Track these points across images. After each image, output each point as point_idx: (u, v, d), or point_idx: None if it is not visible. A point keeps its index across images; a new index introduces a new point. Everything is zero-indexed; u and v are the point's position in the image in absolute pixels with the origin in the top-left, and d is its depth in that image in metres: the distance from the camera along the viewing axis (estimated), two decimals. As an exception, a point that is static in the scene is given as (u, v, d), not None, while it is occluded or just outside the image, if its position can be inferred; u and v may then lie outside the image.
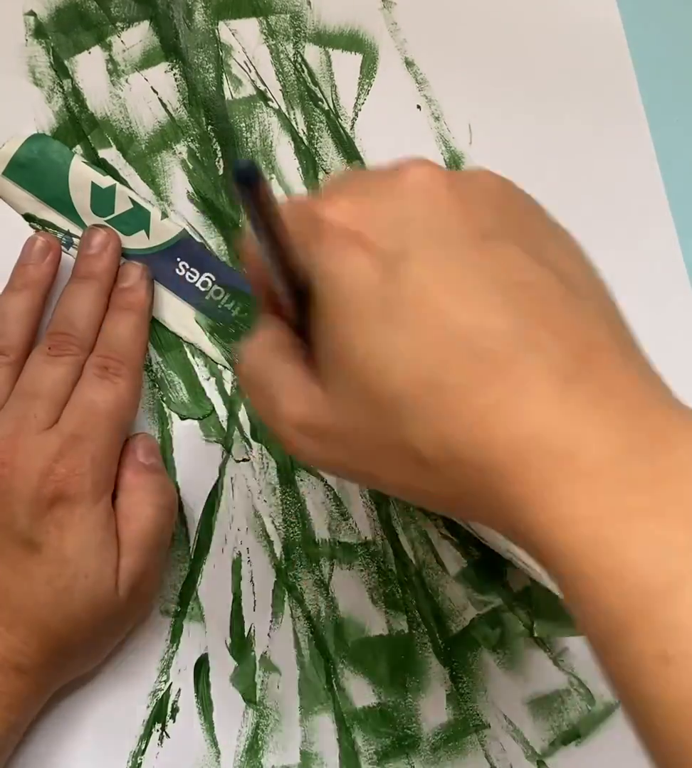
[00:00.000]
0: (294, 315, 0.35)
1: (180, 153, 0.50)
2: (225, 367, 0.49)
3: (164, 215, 0.49)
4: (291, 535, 0.48)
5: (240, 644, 0.48)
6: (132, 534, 0.44)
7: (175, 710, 0.47)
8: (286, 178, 0.50)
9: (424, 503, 0.34)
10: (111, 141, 0.50)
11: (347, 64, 0.51)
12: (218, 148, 0.50)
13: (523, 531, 0.29)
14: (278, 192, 0.50)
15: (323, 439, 0.33)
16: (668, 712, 0.26)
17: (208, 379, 0.49)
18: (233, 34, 0.51)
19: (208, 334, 0.49)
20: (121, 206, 0.49)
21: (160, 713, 0.47)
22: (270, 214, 0.31)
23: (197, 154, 0.50)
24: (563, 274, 0.32)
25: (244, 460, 0.49)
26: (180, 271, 0.49)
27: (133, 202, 0.49)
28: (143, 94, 0.50)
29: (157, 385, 0.49)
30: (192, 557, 0.48)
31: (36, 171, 0.49)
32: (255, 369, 0.35)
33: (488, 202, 0.33)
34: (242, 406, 0.49)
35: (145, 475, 0.46)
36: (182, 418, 0.49)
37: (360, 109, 0.50)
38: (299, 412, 0.33)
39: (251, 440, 0.49)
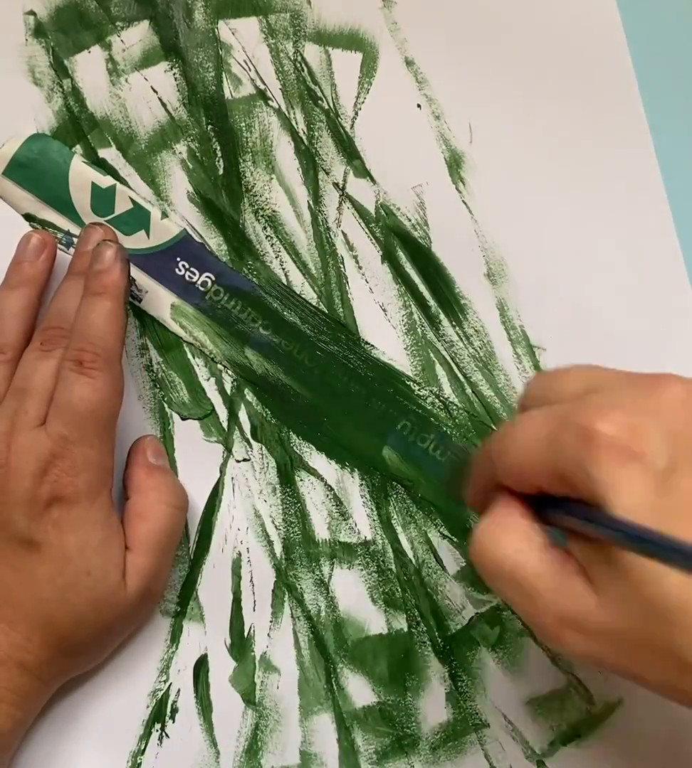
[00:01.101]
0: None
1: (180, 153, 0.50)
2: (225, 367, 0.49)
3: (164, 215, 0.49)
4: (291, 535, 0.48)
5: (240, 644, 0.48)
6: (146, 534, 0.45)
7: (174, 710, 0.47)
8: (286, 178, 0.50)
9: (683, 703, 0.35)
10: (111, 141, 0.50)
11: (347, 63, 0.51)
12: (218, 147, 0.50)
13: None
14: (277, 191, 0.50)
15: (588, 634, 0.33)
16: None
17: (208, 380, 0.49)
18: (233, 33, 0.51)
19: (207, 333, 0.49)
20: (122, 206, 0.49)
21: (160, 713, 0.47)
22: None
23: (197, 154, 0.50)
24: None
25: (244, 460, 0.49)
26: (180, 271, 0.49)
27: (133, 201, 0.49)
28: (143, 93, 0.50)
29: (157, 385, 0.49)
30: (192, 557, 0.48)
31: (36, 171, 0.49)
32: (499, 557, 0.35)
33: None
34: (242, 406, 0.49)
35: (158, 475, 0.46)
36: (183, 418, 0.49)
37: (360, 109, 0.50)
38: (564, 608, 0.33)
39: (251, 440, 0.49)
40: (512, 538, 0.35)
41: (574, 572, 0.34)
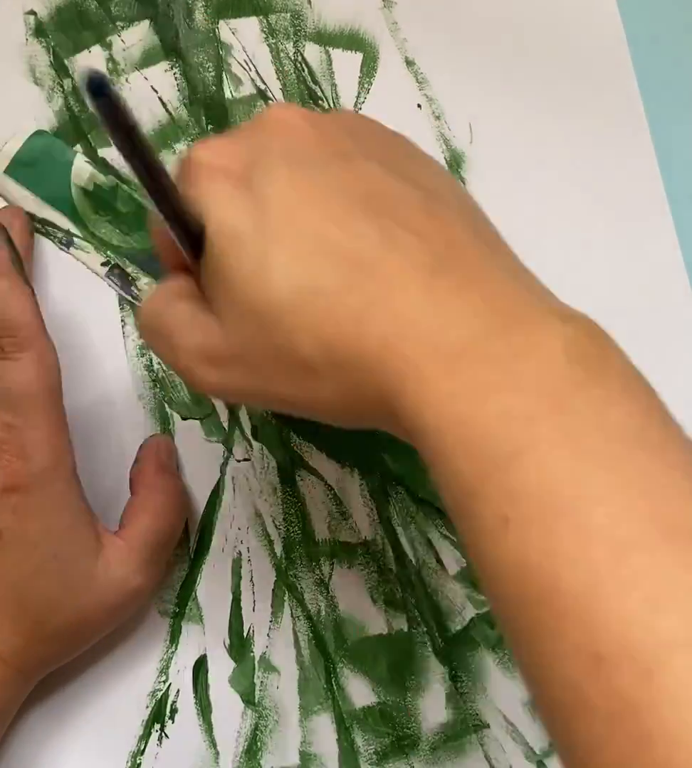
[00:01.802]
0: (191, 261, 0.37)
1: (180, 152, 0.50)
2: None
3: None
4: (291, 535, 0.48)
5: (239, 644, 0.48)
6: (145, 530, 0.45)
7: (174, 711, 0.47)
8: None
9: (316, 414, 0.35)
10: (111, 140, 0.50)
11: (347, 63, 0.51)
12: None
13: (400, 421, 0.31)
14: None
15: (219, 364, 0.35)
16: (505, 571, 0.29)
17: (208, 379, 0.49)
18: (233, 33, 0.51)
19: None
20: (123, 206, 0.49)
21: (159, 714, 0.47)
22: (136, 139, 0.32)
23: (197, 154, 0.50)
24: (424, 186, 0.35)
25: (245, 459, 0.48)
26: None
27: (135, 201, 0.49)
28: (143, 93, 0.50)
29: (158, 385, 0.49)
30: (192, 557, 0.48)
31: (38, 169, 0.49)
32: (154, 314, 0.37)
33: (346, 130, 0.37)
34: (243, 406, 0.49)
35: (166, 475, 0.46)
36: (184, 418, 0.49)
37: (360, 108, 0.50)
38: (195, 343, 0.35)
39: (251, 440, 0.49)
40: (161, 299, 0.37)
41: (208, 313, 0.35)
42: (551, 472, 0.28)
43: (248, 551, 0.48)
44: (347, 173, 0.34)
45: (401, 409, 0.31)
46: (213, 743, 0.47)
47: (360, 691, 0.48)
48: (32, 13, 0.51)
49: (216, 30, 0.51)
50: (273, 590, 0.48)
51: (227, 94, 0.50)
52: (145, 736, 0.47)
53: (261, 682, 0.47)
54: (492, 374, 0.30)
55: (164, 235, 0.37)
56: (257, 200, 0.34)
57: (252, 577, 0.48)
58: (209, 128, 0.50)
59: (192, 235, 0.35)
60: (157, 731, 0.47)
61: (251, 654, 0.48)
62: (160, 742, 0.47)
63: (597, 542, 0.27)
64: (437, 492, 0.31)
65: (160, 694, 0.47)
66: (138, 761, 0.47)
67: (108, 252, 0.49)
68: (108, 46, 0.51)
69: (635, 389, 0.31)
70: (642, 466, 0.29)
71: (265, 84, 0.50)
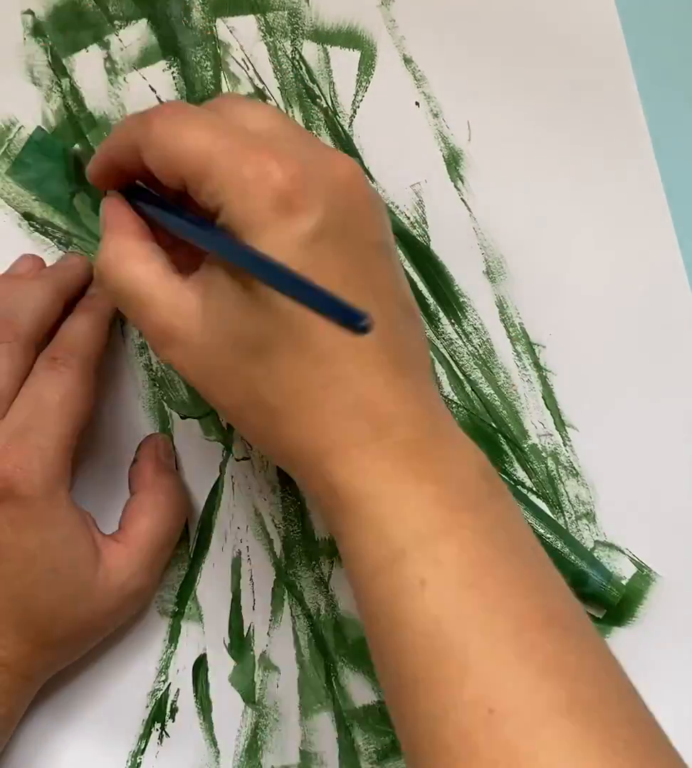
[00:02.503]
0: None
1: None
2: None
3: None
4: (291, 534, 0.48)
5: (239, 643, 0.48)
6: (145, 531, 0.45)
7: (174, 710, 0.47)
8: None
9: (243, 433, 0.41)
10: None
11: (345, 61, 0.51)
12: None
13: (325, 478, 0.36)
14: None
15: (186, 348, 0.38)
16: (419, 625, 0.34)
17: (207, 378, 0.49)
18: (231, 32, 0.51)
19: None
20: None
21: (160, 713, 0.47)
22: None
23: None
24: (407, 295, 0.40)
25: (244, 458, 0.48)
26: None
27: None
28: (142, 92, 0.50)
29: (157, 384, 0.49)
30: (191, 556, 0.48)
31: (37, 170, 0.49)
32: (120, 280, 0.39)
33: (384, 215, 0.40)
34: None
35: (166, 475, 0.47)
36: (183, 417, 0.49)
37: (358, 107, 0.50)
38: (168, 320, 0.38)
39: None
40: (132, 261, 0.39)
41: (189, 294, 0.38)
42: (469, 551, 0.35)
43: (248, 550, 0.48)
44: (375, 263, 0.38)
45: (329, 476, 0.36)
46: (213, 742, 0.47)
47: (360, 690, 0.48)
48: (30, 12, 0.51)
49: (213, 28, 0.51)
50: (273, 589, 0.48)
51: (225, 93, 0.50)
52: (146, 736, 0.47)
53: (261, 680, 0.47)
54: (427, 468, 0.36)
55: (106, 167, 0.41)
56: (304, 247, 0.36)
57: (252, 576, 0.48)
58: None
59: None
60: (157, 730, 0.47)
61: (251, 653, 0.48)
62: (161, 741, 0.47)
63: (501, 615, 0.34)
64: (346, 554, 0.37)
65: (160, 693, 0.47)
66: (138, 760, 0.47)
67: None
68: (106, 45, 0.50)
69: (521, 513, 0.39)
70: (535, 566, 0.36)
71: (263, 82, 0.50)
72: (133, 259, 0.39)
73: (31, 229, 0.49)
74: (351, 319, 0.30)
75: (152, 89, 0.50)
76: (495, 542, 0.35)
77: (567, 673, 0.33)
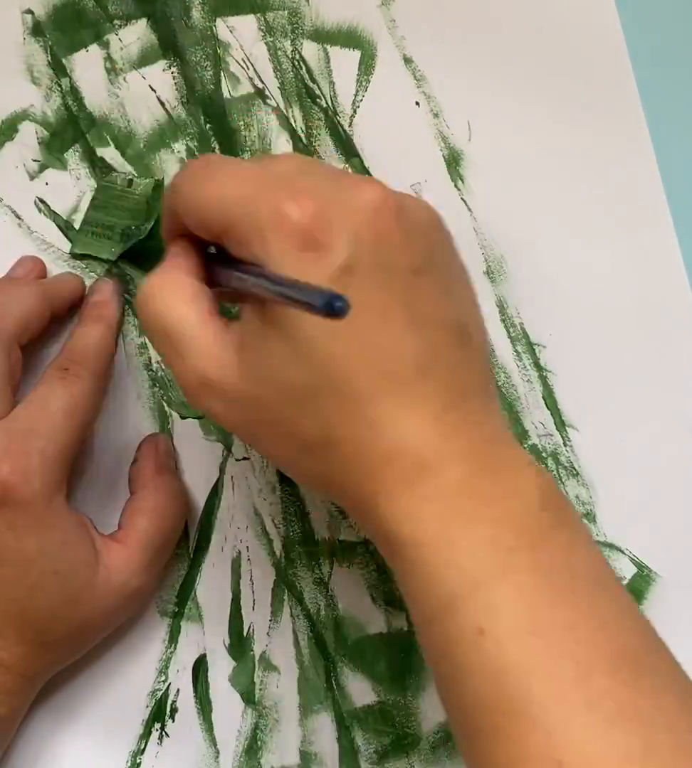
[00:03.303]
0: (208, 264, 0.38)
1: (179, 151, 0.50)
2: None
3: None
4: (291, 534, 0.48)
5: (239, 643, 0.48)
6: (144, 531, 0.45)
7: (174, 710, 0.47)
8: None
9: (302, 479, 0.41)
10: (109, 140, 0.50)
11: (345, 61, 0.51)
12: (217, 146, 0.50)
13: (374, 521, 0.35)
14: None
15: (224, 399, 0.36)
16: (478, 678, 0.33)
17: (206, 378, 0.49)
18: (231, 31, 0.51)
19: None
20: (121, 206, 0.49)
21: (160, 713, 0.47)
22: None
23: (196, 153, 0.50)
24: (462, 318, 0.37)
25: (244, 458, 0.48)
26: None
27: (132, 200, 0.49)
28: (141, 92, 0.50)
29: (157, 384, 0.49)
30: (191, 556, 0.48)
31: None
32: (160, 312, 0.37)
33: (425, 236, 0.37)
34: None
35: (165, 474, 0.47)
36: (183, 417, 0.49)
37: (358, 106, 0.50)
38: (206, 369, 0.36)
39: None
40: (177, 296, 0.37)
41: (229, 342, 0.36)
42: (527, 596, 0.33)
43: (248, 550, 0.48)
44: (415, 293, 0.35)
45: (379, 513, 0.35)
46: (213, 742, 0.47)
47: (360, 690, 0.48)
48: (29, 12, 0.51)
49: (213, 28, 0.51)
50: (273, 589, 0.48)
51: (225, 93, 0.50)
52: (146, 736, 0.47)
53: (261, 681, 0.47)
54: (478, 508, 0.34)
55: (169, 232, 0.39)
56: (336, 287, 0.33)
57: (252, 576, 0.48)
58: (207, 127, 0.50)
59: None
60: (157, 730, 0.47)
61: (251, 653, 0.48)
62: (161, 742, 0.47)
63: (565, 661, 0.32)
64: (405, 597, 0.36)
65: (160, 693, 0.47)
66: (138, 760, 0.47)
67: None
68: (105, 45, 0.50)
69: (589, 537, 0.37)
70: (601, 602, 0.34)
71: (263, 82, 0.50)
72: (178, 294, 0.37)
73: (31, 231, 0.49)
74: (326, 305, 0.30)
75: (152, 89, 0.50)
76: (557, 581, 0.34)
77: (640, 719, 0.32)
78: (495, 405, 0.38)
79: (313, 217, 0.34)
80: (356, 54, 0.51)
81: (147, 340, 0.49)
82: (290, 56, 0.51)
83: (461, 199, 0.50)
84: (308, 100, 0.50)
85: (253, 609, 0.48)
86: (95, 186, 0.49)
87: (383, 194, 0.35)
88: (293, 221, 0.34)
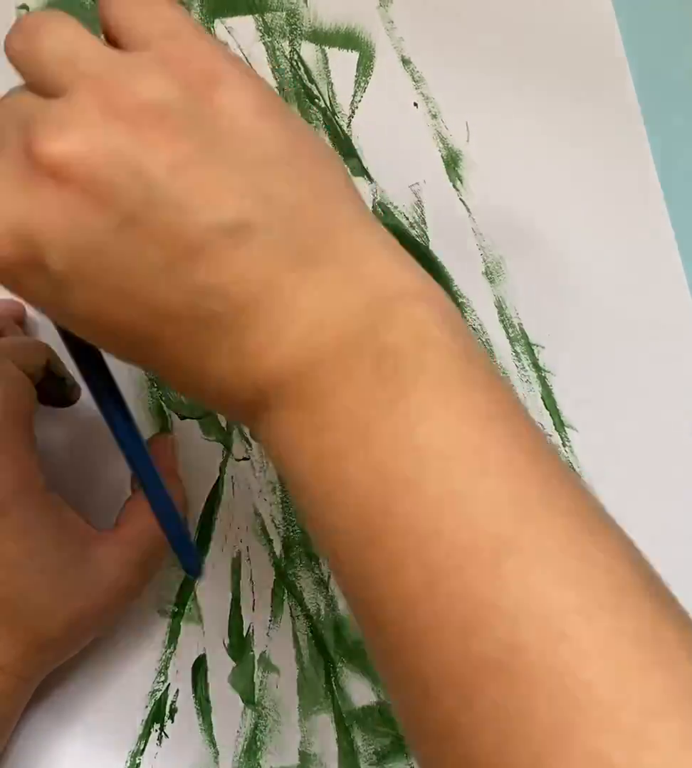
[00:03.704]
0: None
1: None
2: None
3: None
4: (291, 534, 0.48)
5: (239, 644, 0.48)
6: (144, 530, 0.44)
7: (173, 711, 0.47)
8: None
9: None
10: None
11: (343, 62, 0.51)
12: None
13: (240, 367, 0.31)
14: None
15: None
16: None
17: (206, 378, 0.49)
18: (229, 32, 0.51)
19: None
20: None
21: (159, 714, 0.47)
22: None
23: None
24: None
25: (244, 458, 0.48)
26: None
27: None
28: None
29: (156, 385, 0.48)
30: (190, 556, 0.48)
31: None
32: None
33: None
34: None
35: (170, 478, 0.46)
36: (182, 417, 0.48)
37: (357, 107, 0.50)
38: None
39: (250, 439, 0.48)
40: None
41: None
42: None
43: (248, 550, 0.48)
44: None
45: (241, 353, 0.31)
46: (213, 743, 0.47)
47: (360, 691, 0.48)
48: (24, 7, 0.50)
49: (212, 28, 0.51)
50: (273, 589, 0.48)
51: (223, 93, 0.50)
52: (145, 736, 0.47)
53: (261, 681, 0.47)
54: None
55: None
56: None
57: (252, 576, 0.48)
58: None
59: None
60: (156, 731, 0.47)
61: (251, 653, 0.48)
62: (160, 742, 0.47)
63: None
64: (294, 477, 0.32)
65: (159, 694, 0.47)
66: (138, 761, 0.47)
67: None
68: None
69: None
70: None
71: (262, 82, 0.50)
72: None
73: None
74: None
75: (150, 88, 0.50)
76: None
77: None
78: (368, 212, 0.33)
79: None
80: (355, 55, 0.51)
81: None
82: (289, 57, 0.51)
83: (460, 199, 0.50)
84: (307, 100, 0.50)
85: (253, 609, 0.48)
86: None
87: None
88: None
